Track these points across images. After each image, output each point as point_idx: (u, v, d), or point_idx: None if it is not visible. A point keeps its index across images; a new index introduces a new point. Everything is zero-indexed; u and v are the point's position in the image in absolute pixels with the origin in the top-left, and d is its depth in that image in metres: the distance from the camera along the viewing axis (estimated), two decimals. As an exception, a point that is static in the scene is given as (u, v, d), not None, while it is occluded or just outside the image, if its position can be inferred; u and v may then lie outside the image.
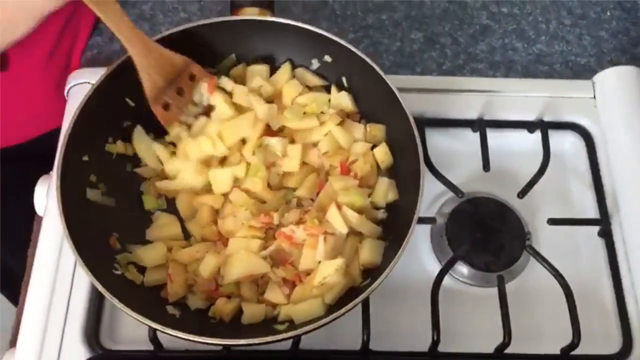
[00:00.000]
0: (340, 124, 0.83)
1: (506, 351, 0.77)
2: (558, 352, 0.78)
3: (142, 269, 0.77)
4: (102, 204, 0.78)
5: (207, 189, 0.81)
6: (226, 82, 0.84)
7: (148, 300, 0.74)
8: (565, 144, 0.94)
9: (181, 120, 0.82)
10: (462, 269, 0.84)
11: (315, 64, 0.86)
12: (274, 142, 0.81)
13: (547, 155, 0.88)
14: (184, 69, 0.81)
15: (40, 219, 0.86)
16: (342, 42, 0.81)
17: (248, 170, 0.80)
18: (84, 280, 0.80)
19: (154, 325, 0.67)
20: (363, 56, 0.80)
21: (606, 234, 0.87)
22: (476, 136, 0.90)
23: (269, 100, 0.84)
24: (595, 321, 0.82)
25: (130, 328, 0.80)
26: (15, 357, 0.77)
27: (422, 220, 0.80)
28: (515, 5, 1.08)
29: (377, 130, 0.83)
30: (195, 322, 0.74)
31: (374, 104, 0.84)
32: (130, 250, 0.77)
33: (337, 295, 0.73)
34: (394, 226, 0.77)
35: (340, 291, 0.73)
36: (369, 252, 0.76)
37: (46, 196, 0.86)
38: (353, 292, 0.73)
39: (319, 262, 0.74)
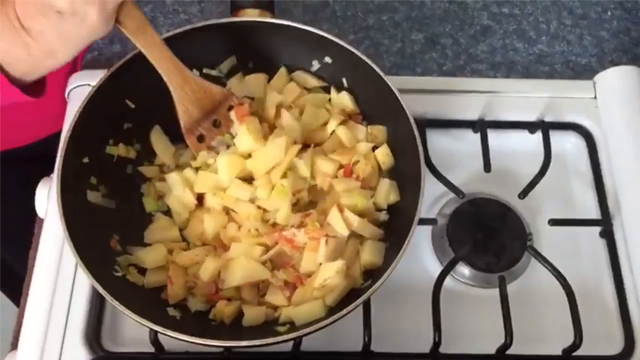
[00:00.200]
0: (343, 123, 0.83)
1: (508, 352, 0.77)
2: (560, 353, 0.78)
3: (142, 271, 0.76)
4: (102, 206, 0.78)
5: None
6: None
7: (149, 302, 0.74)
8: (566, 144, 0.94)
9: (211, 147, 0.81)
10: (464, 269, 0.84)
11: (315, 65, 0.86)
12: (301, 164, 0.79)
13: (548, 156, 0.88)
14: (222, 100, 0.80)
15: (42, 221, 0.86)
16: (343, 43, 0.81)
17: (272, 191, 0.77)
18: (85, 282, 0.80)
19: (155, 327, 0.67)
20: (363, 57, 0.80)
21: (608, 235, 0.87)
22: (477, 137, 0.90)
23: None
24: (597, 322, 0.82)
25: (132, 330, 0.80)
26: (17, 359, 0.77)
27: (423, 221, 0.80)
28: (515, 5, 1.08)
29: (378, 131, 0.83)
30: (196, 324, 0.74)
31: (375, 105, 0.83)
32: (130, 252, 0.77)
33: (338, 297, 0.73)
34: (395, 227, 0.77)
35: (341, 293, 0.73)
36: (370, 254, 0.75)
37: (47, 198, 0.86)
38: (354, 294, 0.73)
39: (320, 264, 0.74)
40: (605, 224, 0.87)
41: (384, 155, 0.82)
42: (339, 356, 0.79)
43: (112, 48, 1.02)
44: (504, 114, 0.93)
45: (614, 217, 0.87)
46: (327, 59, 0.85)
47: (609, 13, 1.08)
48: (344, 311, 0.68)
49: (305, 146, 0.81)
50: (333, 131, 0.83)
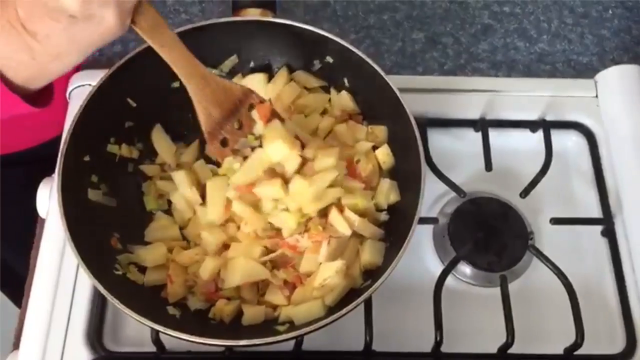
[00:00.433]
0: (344, 121, 0.83)
1: (509, 351, 0.77)
2: (561, 352, 0.78)
3: (143, 269, 0.77)
4: (103, 204, 0.78)
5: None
6: None
7: (149, 301, 0.74)
8: (567, 143, 0.94)
9: (235, 150, 0.77)
10: (465, 269, 0.84)
11: (316, 64, 0.86)
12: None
13: (550, 155, 0.88)
14: (244, 99, 0.76)
15: (43, 221, 0.86)
16: (344, 42, 0.81)
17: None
18: (86, 282, 0.81)
19: (155, 326, 0.67)
20: (364, 57, 0.80)
21: (609, 233, 0.87)
22: (478, 136, 0.90)
23: None
24: (599, 321, 0.82)
25: (133, 330, 0.80)
26: (18, 359, 0.77)
27: (424, 221, 0.80)
28: (516, 4, 1.08)
29: (379, 131, 0.83)
30: (196, 323, 0.74)
31: (376, 105, 0.83)
32: (131, 250, 0.77)
33: (338, 297, 0.73)
34: (395, 227, 0.77)
35: (340, 293, 0.73)
36: (370, 254, 0.75)
37: (48, 198, 0.86)
38: (354, 294, 0.73)
39: (320, 264, 0.74)
40: (606, 223, 0.87)
41: (384, 155, 0.82)
42: (340, 355, 0.79)
43: (112, 48, 1.02)
44: (505, 113, 0.93)
45: (616, 216, 0.87)
46: (328, 59, 0.85)
47: (610, 12, 1.08)
48: (344, 311, 0.67)
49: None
50: (330, 131, 0.83)
